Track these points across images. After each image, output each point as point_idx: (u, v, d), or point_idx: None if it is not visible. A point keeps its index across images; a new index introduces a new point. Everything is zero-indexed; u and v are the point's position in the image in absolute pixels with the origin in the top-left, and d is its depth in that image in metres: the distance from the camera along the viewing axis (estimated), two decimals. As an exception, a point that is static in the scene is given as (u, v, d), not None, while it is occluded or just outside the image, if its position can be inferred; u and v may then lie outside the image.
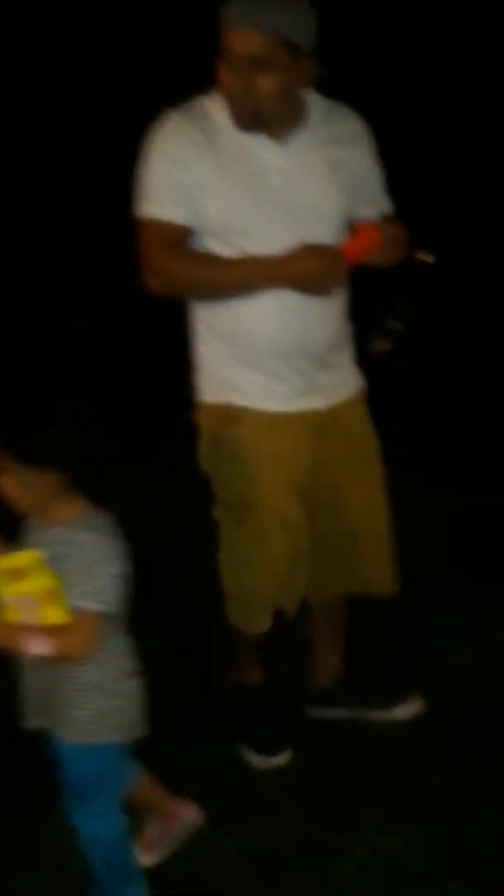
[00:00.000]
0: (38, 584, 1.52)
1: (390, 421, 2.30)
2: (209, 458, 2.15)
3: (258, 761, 2.28)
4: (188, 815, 2.01)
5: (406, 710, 2.40)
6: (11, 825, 2.07)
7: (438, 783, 2.16)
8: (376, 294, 6.35)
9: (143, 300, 2.11)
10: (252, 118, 1.91)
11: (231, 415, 2.08)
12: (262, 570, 2.15)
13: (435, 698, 2.43)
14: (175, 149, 1.94)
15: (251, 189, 1.95)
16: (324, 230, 1.99)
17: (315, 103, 2.03)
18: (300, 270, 1.91)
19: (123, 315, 4.60)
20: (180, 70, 3.00)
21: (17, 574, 1.52)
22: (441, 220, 5.59)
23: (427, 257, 5.51)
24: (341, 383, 2.16)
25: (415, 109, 5.66)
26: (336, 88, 2.08)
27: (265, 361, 2.03)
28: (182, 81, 2.11)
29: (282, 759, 2.27)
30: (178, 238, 1.96)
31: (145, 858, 1.92)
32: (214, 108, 1.96)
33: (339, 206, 2.04)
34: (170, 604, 2.79)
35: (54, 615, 1.53)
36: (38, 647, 1.53)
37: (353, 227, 2.04)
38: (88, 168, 5.01)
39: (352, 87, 2.21)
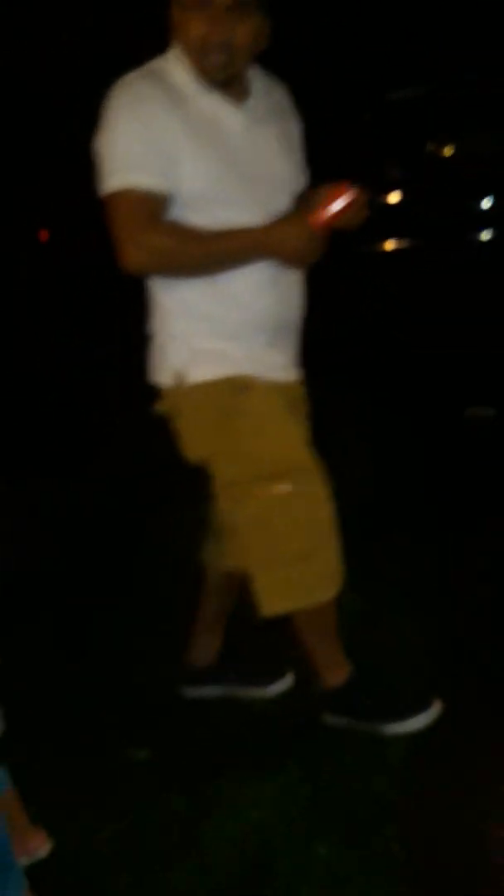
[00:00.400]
0: None
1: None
2: (217, 438, 1.98)
3: (414, 724, 2.21)
4: (35, 847, 1.94)
5: (279, 687, 2.42)
6: None
7: (308, 753, 2.20)
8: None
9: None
10: (225, 70, 1.82)
11: (238, 385, 1.94)
12: (326, 524, 2.03)
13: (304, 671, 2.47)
14: (144, 112, 1.79)
15: (223, 155, 1.85)
16: (284, 199, 1.95)
17: (254, 71, 1.96)
18: (290, 241, 1.84)
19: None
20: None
21: None
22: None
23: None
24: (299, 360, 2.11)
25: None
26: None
27: (255, 334, 1.95)
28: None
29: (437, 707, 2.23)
30: (159, 209, 1.81)
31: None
32: (172, 68, 1.85)
33: (294, 175, 2.01)
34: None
35: None
36: None
37: (318, 192, 1.91)
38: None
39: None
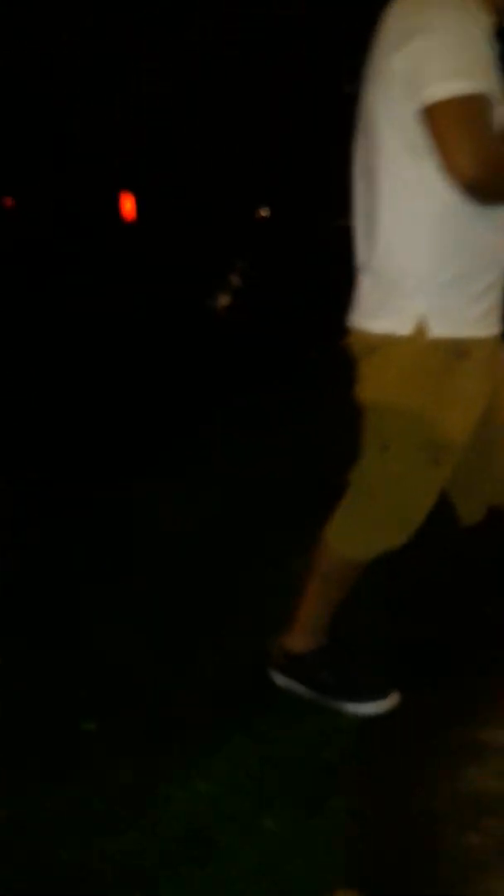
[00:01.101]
0: None
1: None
2: (413, 393, 1.92)
3: (376, 707, 2.22)
4: None
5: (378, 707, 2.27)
6: None
7: (258, 726, 2.19)
8: (217, 251, 6.54)
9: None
10: None
11: (461, 349, 1.88)
12: (433, 497, 2.05)
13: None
14: (473, 28, 1.71)
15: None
16: None
17: None
18: None
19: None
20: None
21: None
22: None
23: (265, 212, 5.62)
24: None
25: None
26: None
27: (490, 295, 1.89)
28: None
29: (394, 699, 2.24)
30: (491, 121, 1.71)
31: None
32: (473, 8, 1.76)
33: None
34: None
35: None
36: None
37: None
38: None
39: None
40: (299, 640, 2.28)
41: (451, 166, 1.70)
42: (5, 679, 2.41)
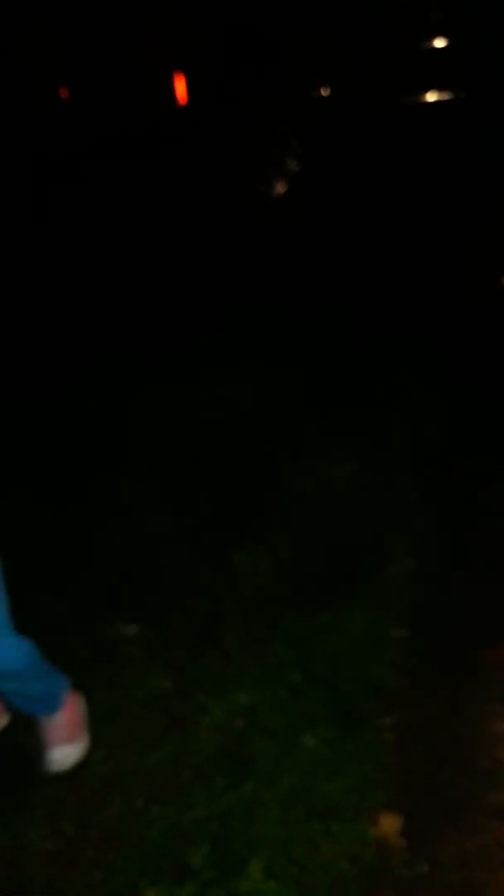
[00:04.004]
0: None
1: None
2: None
3: None
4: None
5: None
6: None
7: (300, 634, 2.06)
8: (273, 137, 6.19)
9: None
10: None
11: None
12: None
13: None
14: None
15: None
16: None
17: None
18: None
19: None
20: None
21: None
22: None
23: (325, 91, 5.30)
24: None
25: None
26: None
27: None
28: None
29: None
30: None
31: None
32: None
33: None
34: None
35: None
36: None
37: None
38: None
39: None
40: None
41: None
42: (48, 563, 2.33)
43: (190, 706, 1.90)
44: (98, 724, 1.87)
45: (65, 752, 1.78)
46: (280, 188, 5.74)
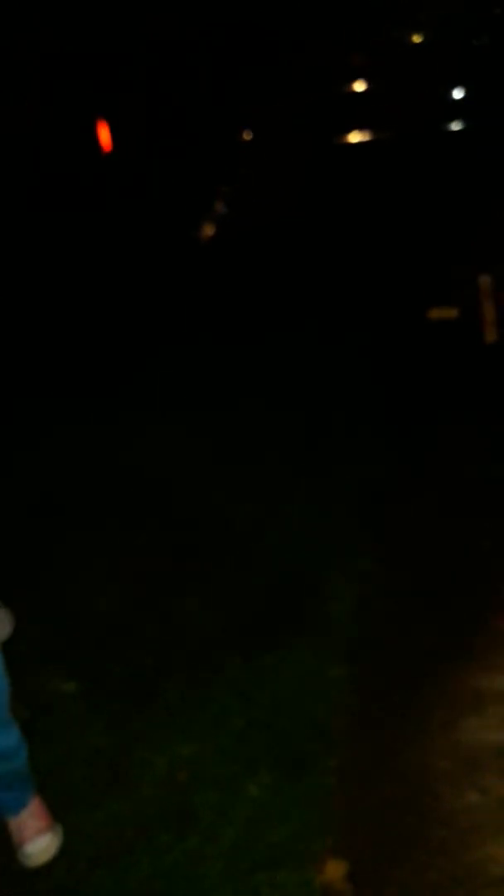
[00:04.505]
0: None
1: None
2: None
3: None
4: None
5: None
6: None
7: (243, 679, 2.05)
8: (201, 182, 6.27)
9: None
10: None
11: None
12: None
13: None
14: None
15: None
16: None
17: None
18: None
19: None
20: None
21: None
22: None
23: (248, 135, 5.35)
24: None
25: None
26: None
27: None
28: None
29: None
30: None
31: None
32: None
33: None
34: None
35: None
36: None
37: None
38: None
39: None
40: None
41: None
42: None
43: (132, 761, 1.87)
44: (40, 786, 1.82)
45: (44, 843, 1.68)
46: (208, 231, 5.81)
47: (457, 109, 10.17)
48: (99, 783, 1.83)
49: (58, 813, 1.77)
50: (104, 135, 6.79)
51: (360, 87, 12.13)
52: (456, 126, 9.96)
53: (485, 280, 3.97)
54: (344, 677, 2.01)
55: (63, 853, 1.68)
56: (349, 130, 10.04)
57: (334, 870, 1.58)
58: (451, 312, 4.17)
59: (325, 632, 2.15)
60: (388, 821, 1.70)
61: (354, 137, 10.03)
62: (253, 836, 1.64)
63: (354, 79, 11.32)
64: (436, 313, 4.22)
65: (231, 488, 2.87)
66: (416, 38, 13.35)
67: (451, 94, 10.83)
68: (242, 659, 2.08)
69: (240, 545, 2.55)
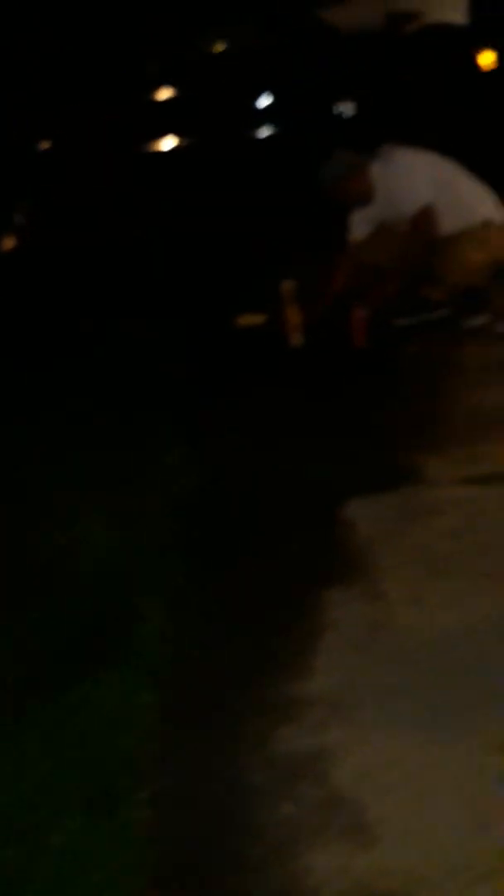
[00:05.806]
0: None
1: None
2: None
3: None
4: None
5: None
6: None
7: (47, 719, 1.93)
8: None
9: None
10: None
11: None
12: None
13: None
14: None
15: None
16: None
17: None
18: None
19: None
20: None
21: None
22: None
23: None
24: None
25: None
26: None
27: None
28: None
29: None
30: None
31: None
32: None
33: None
34: None
35: None
36: None
37: None
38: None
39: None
40: None
41: None
42: None
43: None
44: None
45: None
46: (7, 244, 5.62)
47: (263, 117, 10.37)
48: None
49: None
50: None
51: (165, 94, 12.15)
52: (262, 133, 10.17)
53: (287, 286, 4.04)
54: (153, 703, 1.94)
55: None
56: (156, 138, 10.03)
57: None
58: (259, 319, 4.22)
59: (133, 657, 2.06)
60: (203, 845, 1.64)
61: (162, 145, 10.02)
62: (59, 891, 1.53)
63: (157, 87, 11.32)
64: (244, 320, 4.25)
65: (25, 509, 2.74)
66: (219, 47, 13.53)
67: (256, 103, 11.04)
68: (46, 698, 1.96)
69: (37, 575, 2.42)
